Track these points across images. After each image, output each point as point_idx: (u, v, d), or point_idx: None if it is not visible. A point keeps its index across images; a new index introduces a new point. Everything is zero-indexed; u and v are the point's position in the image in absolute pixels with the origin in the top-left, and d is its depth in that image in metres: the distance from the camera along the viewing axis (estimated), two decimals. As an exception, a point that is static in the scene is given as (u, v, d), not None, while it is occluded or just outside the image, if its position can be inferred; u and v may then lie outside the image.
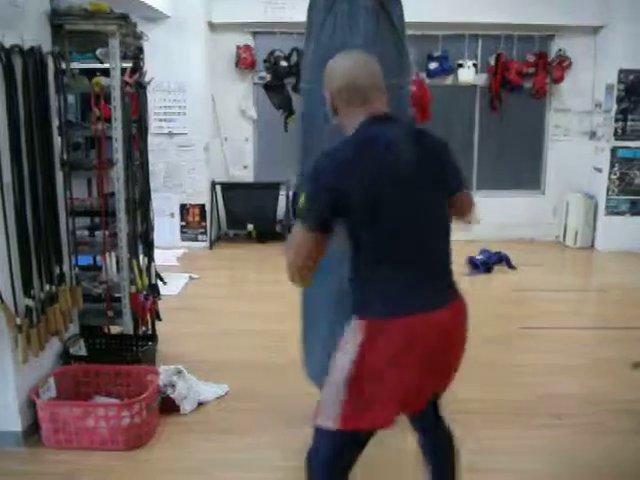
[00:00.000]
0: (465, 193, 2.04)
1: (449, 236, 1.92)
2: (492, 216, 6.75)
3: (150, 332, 3.83)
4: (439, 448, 2.18)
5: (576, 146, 7.60)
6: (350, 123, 1.86)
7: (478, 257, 6.29)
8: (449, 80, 7.47)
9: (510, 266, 6.32)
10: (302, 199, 1.78)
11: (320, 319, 2.79)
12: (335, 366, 1.83)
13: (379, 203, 1.74)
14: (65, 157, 3.25)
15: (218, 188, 7.52)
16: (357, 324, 1.80)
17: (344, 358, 1.80)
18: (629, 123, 7.05)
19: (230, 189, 7.55)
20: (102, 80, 3.46)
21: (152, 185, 3.96)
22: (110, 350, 3.59)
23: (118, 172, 3.46)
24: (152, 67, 3.97)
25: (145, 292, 3.73)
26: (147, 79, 3.76)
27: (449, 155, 1.96)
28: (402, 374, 1.78)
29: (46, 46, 3.00)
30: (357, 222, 1.77)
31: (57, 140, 3.15)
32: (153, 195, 3.93)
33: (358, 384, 1.78)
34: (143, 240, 3.79)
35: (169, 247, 6.83)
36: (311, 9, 2.62)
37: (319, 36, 2.57)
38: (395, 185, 1.76)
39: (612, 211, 7.26)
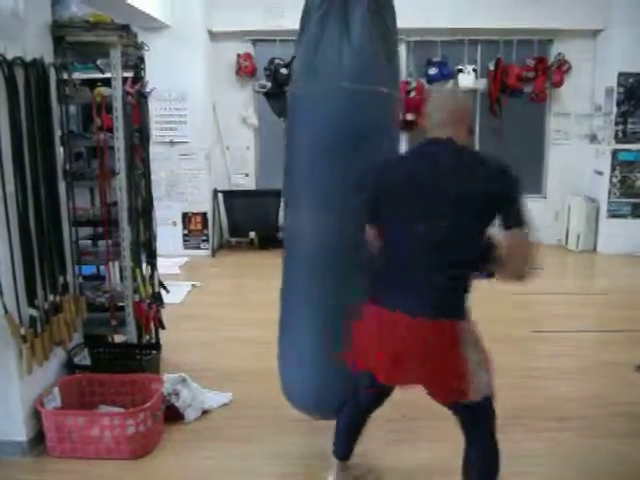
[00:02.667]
0: (514, 233, 1.96)
1: (454, 259, 2.02)
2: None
3: (154, 341, 3.84)
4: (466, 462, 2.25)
5: (577, 149, 7.62)
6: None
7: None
8: (449, 86, 7.48)
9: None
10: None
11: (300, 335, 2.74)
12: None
13: (386, 205, 2.14)
14: (68, 167, 3.27)
15: (220, 196, 7.54)
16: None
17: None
18: (629, 126, 7.07)
19: (232, 197, 7.58)
20: (104, 90, 3.47)
21: (154, 194, 3.97)
22: (114, 359, 3.59)
23: (120, 181, 3.47)
24: (153, 76, 3.98)
25: (148, 301, 3.74)
26: (148, 88, 3.78)
27: (500, 187, 1.96)
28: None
29: (48, 57, 3.02)
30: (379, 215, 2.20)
31: (59, 150, 3.17)
32: (155, 204, 3.95)
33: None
34: (146, 249, 3.80)
35: (172, 255, 6.85)
36: (305, 16, 2.59)
37: (311, 40, 2.53)
38: (397, 195, 2.09)
39: (614, 214, 7.27)
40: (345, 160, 2.50)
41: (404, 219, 2.06)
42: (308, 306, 2.68)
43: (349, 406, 2.54)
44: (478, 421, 2.16)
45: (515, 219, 1.94)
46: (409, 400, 3.46)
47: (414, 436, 3.15)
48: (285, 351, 2.85)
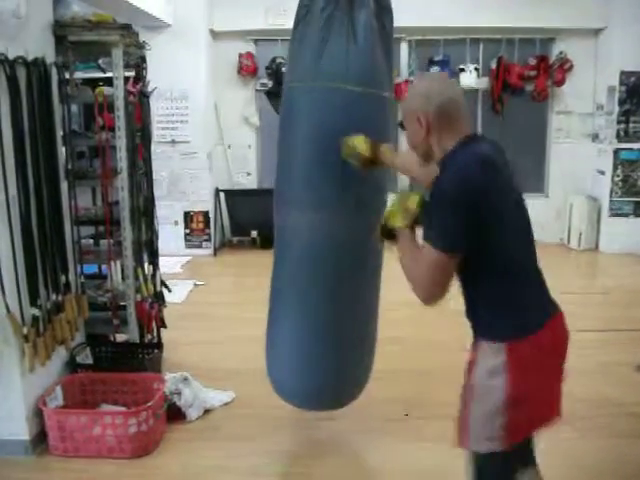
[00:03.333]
0: None
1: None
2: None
3: (156, 340, 3.84)
4: None
5: (579, 148, 7.61)
6: (446, 143, 1.80)
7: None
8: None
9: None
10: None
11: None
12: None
13: (504, 216, 1.74)
14: (69, 167, 3.27)
15: (222, 195, 7.54)
16: (497, 346, 1.76)
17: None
18: (631, 125, 7.05)
19: (234, 196, 7.58)
20: (105, 90, 3.48)
21: (156, 193, 3.97)
22: (116, 358, 3.59)
23: (122, 181, 3.47)
24: (155, 76, 3.98)
25: (150, 300, 3.74)
26: (150, 88, 3.78)
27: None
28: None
29: (49, 57, 3.02)
30: (491, 233, 1.72)
31: (61, 150, 3.18)
32: (157, 203, 3.95)
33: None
34: (148, 248, 3.80)
35: (173, 255, 6.85)
36: (302, 11, 2.57)
37: (320, 46, 2.51)
38: (510, 197, 1.77)
39: (616, 213, 7.26)
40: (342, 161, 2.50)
41: (514, 222, 1.79)
42: (299, 307, 2.69)
43: None
44: None
45: None
46: (412, 399, 3.48)
47: (418, 436, 3.14)
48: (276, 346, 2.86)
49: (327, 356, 2.68)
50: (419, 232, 1.83)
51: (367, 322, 2.84)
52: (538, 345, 1.75)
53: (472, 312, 1.84)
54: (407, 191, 2.22)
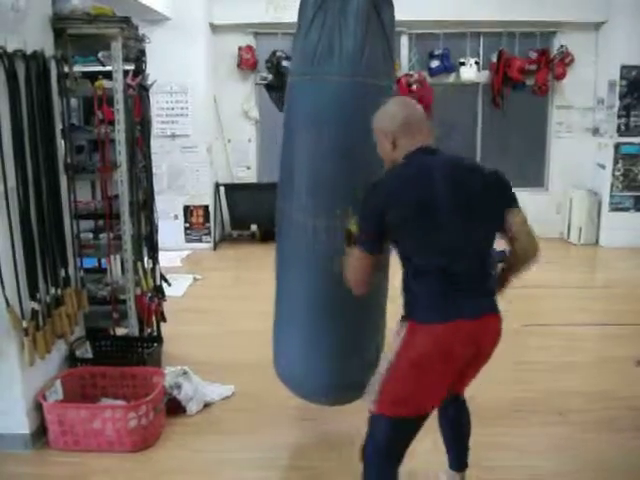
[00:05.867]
0: (516, 213, 2.12)
1: (484, 257, 2.12)
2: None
3: (155, 334, 3.84)
4: (455, 418, 2.52)
5: (579, 142, 7.60)
6: (400, 155, 2.12)
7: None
8: (451, 78, 7.47)
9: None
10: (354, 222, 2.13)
11: (298, 319, 2.76)
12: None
13: (415, 223, 2.01)
14: (69, 160, 3.26)
15: (221, 189, 7.54)
16: (403, 325, 2.07)
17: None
18: (632, 119, 7.04)
19: (233, 190, 7.57)
20: (105, 83, 3.46)
21: (156, 187, 3.97)
22: (116, 352, 3.60)
23: (122, 175, 3.47)
24: (154, 69, 3.97)
25: (150, 294, 3.74)
26: (149, 81, 3.77)
27: (495, 181, 2.13)
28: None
29: (48, 50, 3.01)
30: (399, 239, 2.05)
31: (61, 143, 3.17)
32: (157, 197, 3.95)
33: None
34: (147, 242, 3.79)
35: (173, 249, 6.85)
36: (302, 3, 2.59)
37: (308, 32, 2.54)
38: (428, 209, 2.00)
39: (616, 207, 7.25)
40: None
41: (439, 230, 2.01)
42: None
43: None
44: None
45: (515, 200, 2.14)
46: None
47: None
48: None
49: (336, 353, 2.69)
50: None
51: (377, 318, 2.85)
52: (431, 335, 2.01)
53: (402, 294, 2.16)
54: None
